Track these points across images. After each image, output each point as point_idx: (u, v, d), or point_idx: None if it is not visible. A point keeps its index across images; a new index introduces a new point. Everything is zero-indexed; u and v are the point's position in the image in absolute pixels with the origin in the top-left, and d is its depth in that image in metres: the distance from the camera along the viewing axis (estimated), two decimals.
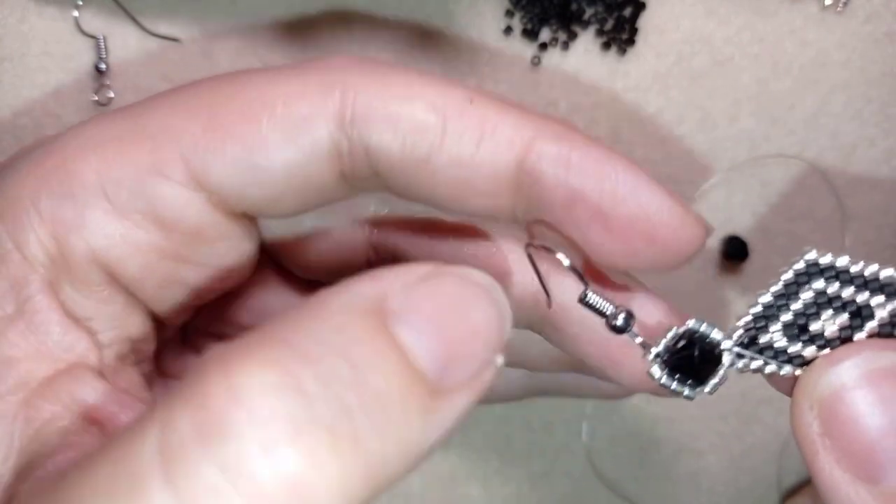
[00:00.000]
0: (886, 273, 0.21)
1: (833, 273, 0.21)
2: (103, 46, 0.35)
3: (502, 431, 0.39)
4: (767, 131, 0.37)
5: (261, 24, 0.36)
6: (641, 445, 0.40)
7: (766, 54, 0.37)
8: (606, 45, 0.37)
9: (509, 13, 0.36)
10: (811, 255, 0.21)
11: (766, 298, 0.21)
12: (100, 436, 0.21)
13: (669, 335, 0.22)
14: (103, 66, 0.36)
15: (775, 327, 0.21)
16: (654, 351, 0.22)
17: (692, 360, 0.22)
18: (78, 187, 0.22)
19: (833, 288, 0.21)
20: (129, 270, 0.22)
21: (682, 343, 0.22)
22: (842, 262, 0.21)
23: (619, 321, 0.22)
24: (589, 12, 0.36)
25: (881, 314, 0.21)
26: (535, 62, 0.37)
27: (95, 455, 0.16)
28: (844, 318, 0.21)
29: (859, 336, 0.21)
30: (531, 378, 0.31)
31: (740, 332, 0.21)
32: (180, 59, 0.36)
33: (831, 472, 0.20)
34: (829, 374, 0.20)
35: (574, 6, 0.36)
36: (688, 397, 0.22)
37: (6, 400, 0.20)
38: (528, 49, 0.37)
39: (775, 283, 0.21)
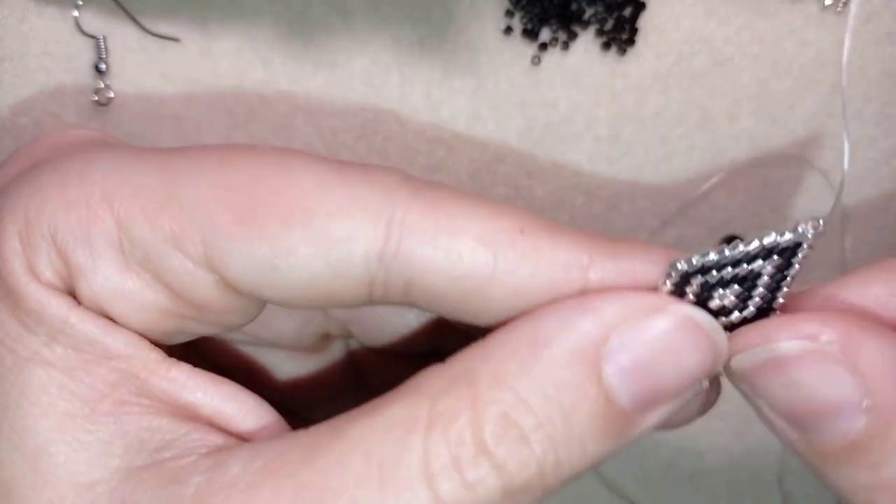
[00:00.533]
0: (753, 245, 0.22)
1: (706, 268, 0.22)
2: (103, 46, 0.35)
3: None
4: (767, 131, 0.37)
5: (261, 24, 0.36)
6: (641, 445, 0.40)
7: (766, 54, 0.37)
8: (606, 45, 0.37)
9: (509, 13, 0.36)
10: (680, 266, 0.22)
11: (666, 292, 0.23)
12: (197, 424, 0.22)
13: None
14: (103, 66, 0.36)
15: None
16: None
17: None
18: (96, 234, 0.22)
19: (712, 276, 0.22)
20: (131, 323, 0.22)
21: None
22: (709, 259, 0.22)
23: None
24: (589, 12, 0.36)
25: (767, 269, 0.22)
26: (535, 62, 0.37)
27: (348, 452, 0.20)
28: (736, 288, 0.22)
29: (755, 300, 0.22)
30: None
31: None
32: (180, 59, 0.36)
33: (771, 417, 0.22)
34: (736, 360, 0.22)
35: (574, 6, 0.36)
36: None
37: (104, 402, 0.22)
38: (528, 49, 0.37)
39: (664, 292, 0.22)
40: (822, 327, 0.21)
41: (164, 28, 0.36)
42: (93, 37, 0.36)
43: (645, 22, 0.37)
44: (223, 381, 0.23)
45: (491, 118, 0.37)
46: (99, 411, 0.21)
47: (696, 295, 0.22)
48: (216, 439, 0.22)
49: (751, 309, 0.23)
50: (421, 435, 0.20)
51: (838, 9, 0.36)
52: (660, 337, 0.21)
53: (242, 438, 0.23)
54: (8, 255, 0.22)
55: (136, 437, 0.21)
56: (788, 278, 0.22)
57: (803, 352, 0.21)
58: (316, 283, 0.22)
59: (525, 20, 0.36)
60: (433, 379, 0.21)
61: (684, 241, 0.38)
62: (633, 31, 0.36)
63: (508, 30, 0.36)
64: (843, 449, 0.21)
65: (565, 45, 0.37)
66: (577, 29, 0.37)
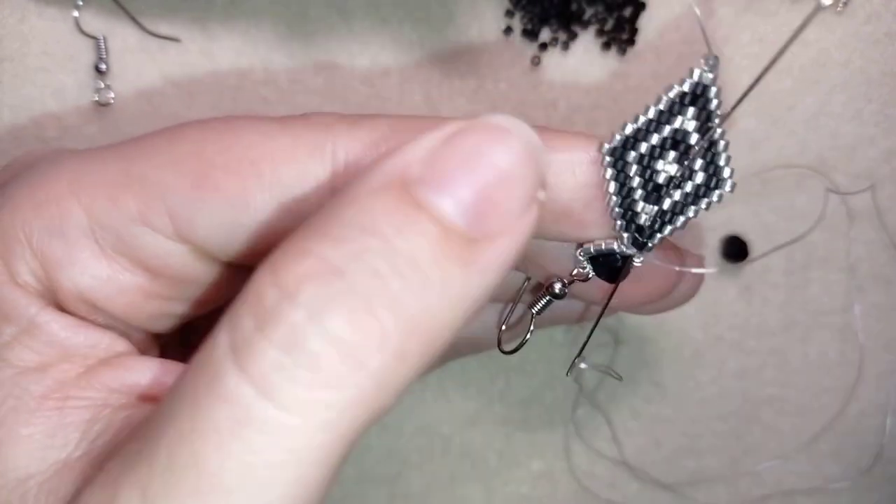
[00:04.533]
0: (662, 101, 0.23)
1: (655, 124, 0.23)
2: (103, 46, 0.35)
3: (502, 431, 0.39)
4: (767, 131, 0.37)
5: (261, 24, 0.36)
6: (641, 445, 0.40)
7: (766, 54, 0.37)
8: (606, 45, 0.37)
9: (509, 13, 0.36)
10: (606, 144, 0.23)
11: (613, 188, 0.23)
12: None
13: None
14: (103, 66, 0.36)
15: (638, 197, 0.24)
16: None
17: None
18: (68, 226, 0.22)
19: (643, 148, 0.23)
20: (115, 309, 0.23)
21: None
22: (628, 129, 0.23)
23: (556, 288, 0.26)
24: (589, 12, 0.36)
25: (691, 124, 0.23)
26: (535, 62, 0.37)
27: (182, 377, 0.18)
28: (672, 153, 0.23)
29: (696, 160, 0.23)
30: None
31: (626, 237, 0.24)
32: (180, 59, 0.36)
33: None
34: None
35: (574, 6, 0.36)
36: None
37: (51, 398, 0.21)
38: (528, 49, 0.37)
39: (606, 182, 0.23)
40: None
41: (164, 28, 0.36)
42: (93, 37, 0.36)
43: (645, 22, 0.37)
44: (177, 367, 0.23)
45: None
46: (44, 406, 0.21)
47: (640, 174, 0.23)
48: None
49: (698, 172, 0.23)
50: (226, 321, 0.18)
51: (838, 9, 0.36)
52: (464, 147, 0.19)
53: None
54: None
55: (79, 428, 0.21)
56: (714, 122, 0.23)
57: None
58: (279, 230, 0.22)
59: (525, 20, 0.36)
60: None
61: (685, 240, 0.38)
62: (633, 31, 0.36)
63: (508, 30, 0.36)
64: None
65: (565, 46, 0.37)
66: (577, 29, 0.36)
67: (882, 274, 0.38)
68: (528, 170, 0.19)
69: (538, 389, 0.39)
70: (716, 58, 0.23)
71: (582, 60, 0.37)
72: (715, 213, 0.38)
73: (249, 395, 0.17)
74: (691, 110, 0.23)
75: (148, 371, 0.22)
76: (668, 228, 0.24)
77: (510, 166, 0.19)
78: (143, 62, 0.36)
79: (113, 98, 0.36)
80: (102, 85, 0.36)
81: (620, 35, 0.36)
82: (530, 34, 0.36)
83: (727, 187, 0.24)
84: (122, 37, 0.36)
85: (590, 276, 0.25)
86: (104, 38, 0.36)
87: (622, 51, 0.37)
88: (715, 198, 0.24)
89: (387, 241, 0.17)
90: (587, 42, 0.37)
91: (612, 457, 0.40)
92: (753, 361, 0.39)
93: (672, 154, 0.23)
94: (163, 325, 0.25)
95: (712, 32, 0.37)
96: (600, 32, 0.36)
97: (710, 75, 0.23)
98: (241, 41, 0.36)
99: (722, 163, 0.23)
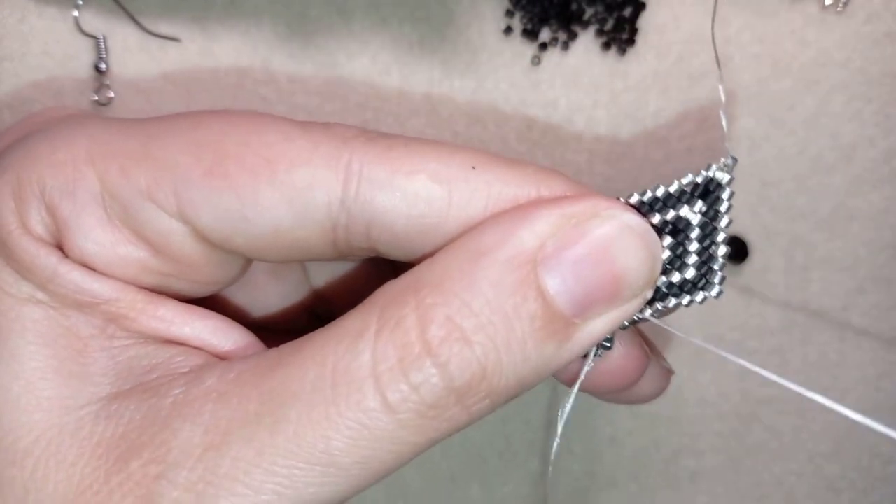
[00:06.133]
0: (673, 187, 0.23)
1: (660, 204, 0.23)
2: (103, 46, 0.35)
3: (502, 431, 0.39)
4: (767, 131, 0.37)
5: (261, 24, 0.36)
6: (641, 446, 0.40)
7: (766, 54, 0.37)
8: (606, 45, 0.37)
9: (509, 13, 0.36)
10: (633, 199, 0.23)
11: None
12: (181, 350, 0.24)
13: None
14: (103, 66, 0.36)
15: None
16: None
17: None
18: (81, 190, 0.23)
19: (654, 219, 0.23)
20: (114, 275, 0.24)
21: None
22: (660, 191, 0.23)
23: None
24: (589, 12, 0.36)
25: (694, 220, 0.23)
26: (535, 62, 0.37)
27: (306, 360, 0.21)
28: (669, 240, 0.23)
29: (692, 256, 0.23)
30: None
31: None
32: (180, 59, 0.36)
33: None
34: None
35: (574, 6, 0.36)
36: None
37: (98, 338, 0.23)
38: (528, 49, 0.37)
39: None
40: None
41: (164, 28, 0.36)
42: (93, 37, 0.36)
43: (645, 22, 0.37)
44: (210, 314, 0.24)
45: (491, 118, 0.37)
46: (92, 346, 0.23)
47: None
48: (198, 360, 0.24)
49: (690, 267, 0.23)
50: (370, 339, 0.21)
51: (838, 9, 0.36)
52: (592, 241, 0.21)
53: (224, 359, 0.24)
54: (3, 211, 0.23)
55: (126, 365, 0.23)
56: (720, 223, 0.23)
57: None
58: (282, 230, 0.23)
59: (525, 20, 0.36)
60: (384, 291, 0.22)
61: None
62: (633, 31, 0.36)
63: (508, 30, 0.36)
64: None
65: (565, 45, 0.37)
66: (577, 29, 0.36)
67: (882, 274, 0.38)
68: (643, 274, 0.22)
69: (538, 389, 0.39)
70: (734, 159, 0.23)
71: (582, 60, 0.37)
72: None
73: (380, 412, 0.21)
74: (699, 203, 0.22)
75: (170, 315, 0.24)
76: (648, 312, 0.23)
77: (626, 271, 0.21)
78: (143, 62, 0.36)
79: (113, 98, 0.36)
80: (102, 85, 0.36)
81: (620, 35, 0.36)
82: (530, 34, 0.36)
83: (713, 292, 0.23)
84: (122, 37, 0.36)
85: None
86: (104, 38, 0.36)
87: (622, 51, 0.37)
88: (699, 298, 0.23)
89: (508, 321, 0.21)
90: (587, 42, 0.37)
91: (612, 457, 0.40)
92: (753, 362, 0.39)
93: (668, 240, 0.23)
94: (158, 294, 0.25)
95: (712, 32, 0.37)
96: (600, 32, 0.36)
97: (727, 176, 0.22)
98: (241, 41, 0.36)
99: (716, 267, 0.23)
